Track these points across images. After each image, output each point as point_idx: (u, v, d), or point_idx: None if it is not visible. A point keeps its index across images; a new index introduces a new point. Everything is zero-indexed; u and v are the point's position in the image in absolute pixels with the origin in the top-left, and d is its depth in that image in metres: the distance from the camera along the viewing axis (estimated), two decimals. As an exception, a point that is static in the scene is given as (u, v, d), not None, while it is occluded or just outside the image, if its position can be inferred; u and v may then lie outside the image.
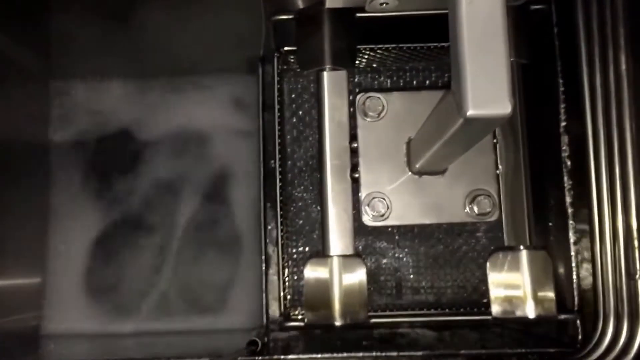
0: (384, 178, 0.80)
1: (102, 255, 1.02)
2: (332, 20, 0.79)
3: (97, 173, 1.04)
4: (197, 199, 1.04)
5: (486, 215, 0.79)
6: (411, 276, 0.88)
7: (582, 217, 0.85)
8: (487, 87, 0.54)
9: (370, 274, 0.87)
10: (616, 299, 0.80)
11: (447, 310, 0.87)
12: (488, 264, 0.81)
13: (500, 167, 0.81)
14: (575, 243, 0.86)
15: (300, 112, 0.91)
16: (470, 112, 0.53)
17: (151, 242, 1.02)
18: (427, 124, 0.70)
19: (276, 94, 0.89)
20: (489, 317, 0.81)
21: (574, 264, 0.85)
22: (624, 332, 0.80)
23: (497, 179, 0.81)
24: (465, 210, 0.79)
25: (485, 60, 0.54)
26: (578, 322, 0.81)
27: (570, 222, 0.87)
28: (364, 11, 0.81)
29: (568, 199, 0.87)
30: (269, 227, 0.90)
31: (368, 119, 0.81)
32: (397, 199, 0.79)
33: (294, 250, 0.89)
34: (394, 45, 0.90)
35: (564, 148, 0.87)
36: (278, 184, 0.88)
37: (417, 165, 0.77)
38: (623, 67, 0.79)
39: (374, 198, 0.79)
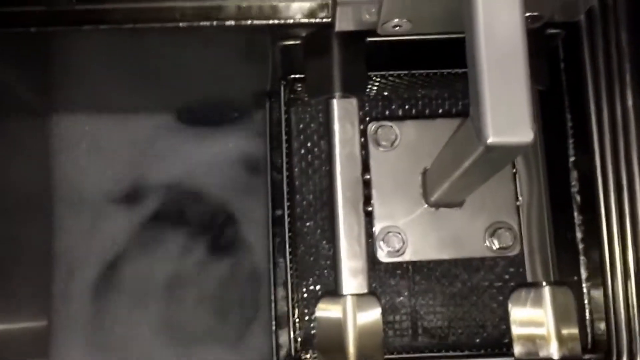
0: (398, 211, 0.79)
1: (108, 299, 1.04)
2: (342, 45, 0.80)
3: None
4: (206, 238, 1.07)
5: (507, 249, 0.79)
6: (428, 315, 0.86)
7: (593, 253, 0.86)
8: (508, 113, 0.54)
9: (385, 314, 0.85)
10: (629, 336, 0.81)
11: (466, 352, 0.85)
12: (510, 302, 0.81)
13: (520, 198, 0.82)
14: (587, 280, 0.87)
15: (309, 144, 0.91)
16: (490, 140, 0.53)
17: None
18: (444, 153, 0.70)
19: (284, 124, 0.90)
20: (511, 359, 0.82)
21: (586, 301, 0.84)
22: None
23: (517, 211, 0.81)
24: (485, 244, 0.79)
25: (505, 85, 0.54)
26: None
27: (582, 257, 0.86)
28: (375, 35, 0.82)
29: (579, 235, 0.87)
30: (278, 267, 0.91)
31: (381, 149, 0.80)
32: (413, 233, 0.78)
33: (305, 290, 0.87)
34: (405, 72, 0.90)
35: (573, 183, 0.88)
36: (287, 221, 0.89)
37: (434, 197, 0.77)
38: (629, 102, 0.80)
39: (388, 232, 0.78)
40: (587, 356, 0.81)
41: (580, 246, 0.87)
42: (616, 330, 0.81)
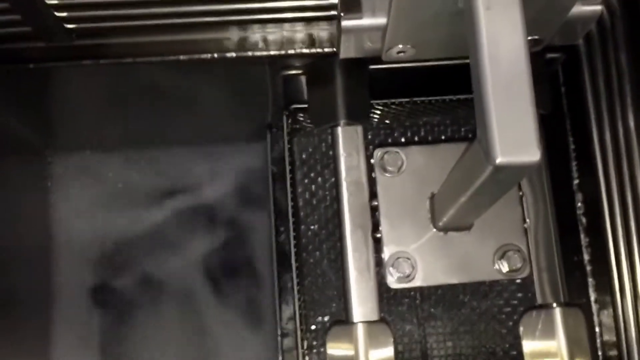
0: (407, 236, 0.80)
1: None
2: (345, 73, 0.83)
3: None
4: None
5: (517, 271, 0.82)
6: (439, 343, 0.87)
7: (601, 274, 0.89)
8: (515, 134, 0.57)
9: (396, 341, 0.88)
10: None
11: None
12: (521, 325, 0.84)
13: (527, 220, 0.85)
14: (596, 302, 0.89)
15: (312, 174, 0.92)
16: (499, 160, 0.56)
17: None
18: (452, 176, 0.73)
19: (287, 154, 0.93)
20: (526, 385, 0.84)
21: (596, 324, 0.86)
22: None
23: (525, 233, 0.84)
24: (495, 267, 0.82)
25: (511, 107, 0.57)
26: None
27: (590, 279, 0.89)
28: (377, 63, 0.86)
29: (586, 257, 0.89)
30: (284, 300, 0.93)
31: (387, 175, 0.83)
32: (423, 258, 0.80)
33: (313, 321, 0.88)
34: (407, 100, 0.93)
35: (578, 206, 0.91)
36: (293, 252, 0.91)
37: (443, 221, 0.79)
38: (631, 123, 0.83)
39: (398, 258, 0.80)
40: (599, 379, 0.83)
41: (588, 268, 0.89)
42: (628, 352, 0.83)
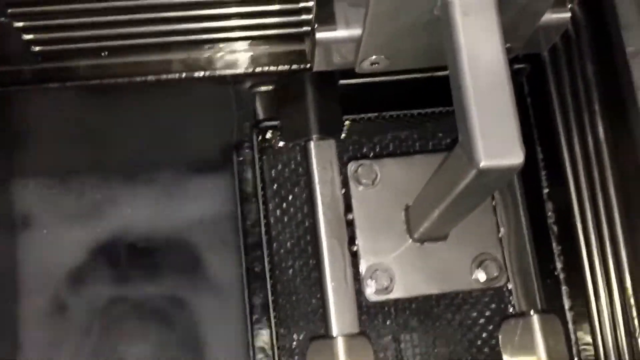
0: (384, 248, 0.80)
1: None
2: (316, 88, 0.82)
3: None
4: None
5: (494, 280, 0.81)
6: (416, 355, 0.87)
7: (575, 282, 0.89)
8: (498, 137, 0.57)
9: (378, 354, 0.86)
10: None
11: None
12: (500, 333, 0.83)
13: (501, 229, 0.85)
14: (570, 309, 0.89)
15: (283, 191, 0.91)
16: (483, 164, 0.55)
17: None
18: (430, 185, 0.73)
19: (258, 173, 0.92)
20: (504, 391, 0.83)
21: (571, 330, 0.86)
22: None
23: (500, 242, 0.83)
24: (473, 277, 0.81)
25: (492, 111, 0.57)
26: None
27: (564, 287, 0.90)
28: (347, 77, 0.86)
29: (559, 265, 0.89)
30: (258, 320, 0.91)
31: (362, 188, 0.81)
32: (401, 269, 0.79)
33: (289, 338, 0.87)
34: (376, 114, 0.94)
35: (549, 214, 0.92)
36: (267, 269, 0.90)
37: (419, 232, 0.79)
38: (600, 131, 0.84)
39: (376, 270, 0.79)
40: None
41: (562, 276, 0.89)
42: (605, 356, 0.84)
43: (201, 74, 0.84)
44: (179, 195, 1.10)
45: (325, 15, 0.68)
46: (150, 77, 0.85)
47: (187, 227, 1.08)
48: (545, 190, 0.91)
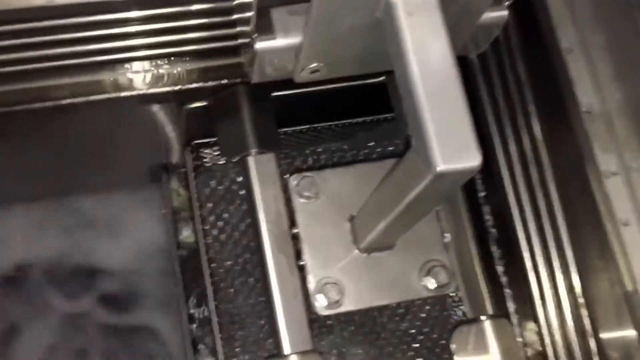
0: (332, 261, 0.77)
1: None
2: (251, 101, 0.79)
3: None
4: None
5: (444, 287, 0.80)
6: None
7: (518, 284, 0.88)
8: (454, 140, 0.55)
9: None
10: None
11: None
12: (452, 342, 0.81)
13: (446, 235, 0.83)
14: (516, 312, 0.89)
15: (218, 210, 0.88)
16: (440, 167, 0.54)
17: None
18: (378, 194, 0.70)
19: (194, 192, 0.89)
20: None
21: (517, 333, 0.85)
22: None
23: (446, 248, 0.82)
24: (422, 284, 0.80)
25: (446, 114, 0.55)
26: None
27: (507, 290, 0.89)
28: (279, 89, 0.84)
29: (500, 268, 0.89)
30: (203, 345, 0.87)
31: (305, 201, 0.80)
32: (350, 281, 0.76)
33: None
34: (308, 127, 0.92)
35: (486, 218, 0.91)
36: (211, 291, 0.86)
37: (365, 242, 0.76)
38: (537, 131, 0.84)
39: (325, 284, 0.77)
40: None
41: (503, 279, 0.89)
42: (555, 358, 0.83)
43: (128, 93, 0.80)
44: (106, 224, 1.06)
45: (264, 25, 0.65)
46: (69, 100, 0.79)
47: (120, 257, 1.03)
48: (482, 194, 0.90)
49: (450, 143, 0.54)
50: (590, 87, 0.77)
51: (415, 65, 0.56)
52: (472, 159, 0.54)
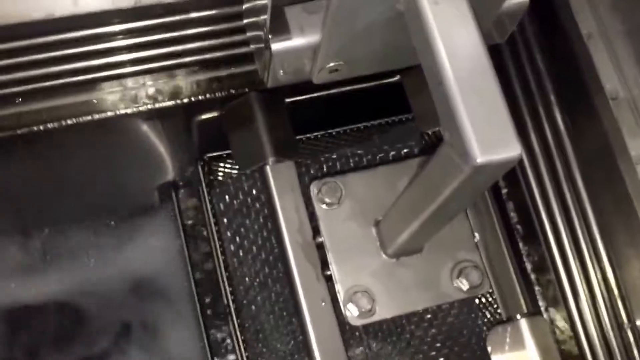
0: (360, 269, 0.74)
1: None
2: (264, 109, 0.76)
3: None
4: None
5: (477, 287, 0.76)
6: None
7: (547, 281, 0.85)
8: (491, 130, 0.51)
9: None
10: (608, 354, 0.79)
11: None
12: (488, 343, 0.78)
13: (476, 234, 0.80)
14: (546, 310, 0.86)
15: (234, 225, 0.86)
16: (479, 160, 0.50)
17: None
18: (407, 195, 0.66)
19: (209, 208, 0.85)
20: (502, 405, 0.78)
21: (551, 330, 0.83)
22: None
23: (477, 248, 0.78)
24: (455, 286, 0.76)
25: (480, 102, 0.52)
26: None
27: (537, 288, 0.86)
28: (294, 95, 0.80)
29: (528, 265, 0.87)
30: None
31: (327, 207, 0.76)
32: (380, 288, 0.73)
33: None
34: (323, 132, 0.88)
35: (511, 214, 0.88)
36: (232, 309, 0.83)
37: (394, 247, 0.72)
38: (559, 122, 0.81)
39: (355, 292, 0.73)
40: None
41: (532, 276, 0.86)
42: (592, 353, 0.80)
43: (129, 110, 0.77)
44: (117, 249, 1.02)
45: (279, 26, 0.61)
46: (70, 121, 0.76)
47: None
48: (504, 190, 0.87)
49: (487, 133, 0.51)
50: (614, 73, 0.74)
51: (444, 55, 0.52)
52: (512, 149, 0.51)
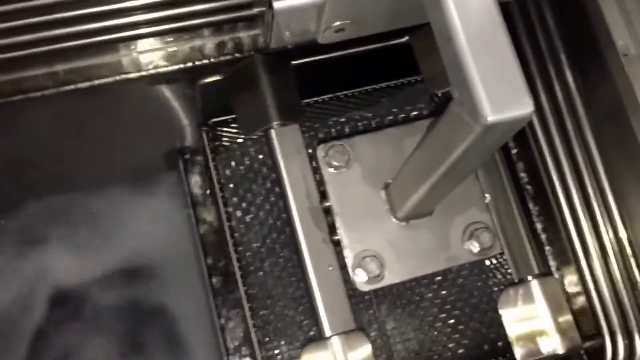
0: (368, 233, 0.72)
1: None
2: (269, 72, 0.74)
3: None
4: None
5: (488, 249, 0.75)
6: (422, 340, 0.80)
7: (558, 240, 0.83)
8: (503, 87, 0.50)
9: (377, 347, 0.78)
10: (621, 314, 0.78)
11: None
12: (500, 304, 0.77)
13: (487, 196, 0.78)
14: (558, 269, 0.84)
15: (241, 190, 0.84)
16: (490, 118, 0.48)
17: None
18: (417, 157, 0.64)
19: (214, 174, 0.83)
20: (514, 363, 0.77)
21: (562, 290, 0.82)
22: (638, 347, 0.78)
23: (488, 209, 0.76)
24: (465, 248, 0.75)
25: (491, 59, 0.50)
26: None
27: (547, 248, 0.85)
28: (299, 58, 0.78)
29: (539, 225, 0.85)
30: (231, 333, 0.83)
31: (335, 171, 0.75)
32: (390, 253, 0.71)
33: (270, 345, 0.79)
34: (330, 96, 0.86)
35: (521, 175, 0.86)
36: (239, 275, 0.81)
37: (404, 210, 0.71)
38: (570, 80, 0.79)
39: (364, 258, 0.72)
40: (586, 344, 0.77)
41: (543, 236, 0.84)
42: (604, 313, 0.78)
43: (133, 75, 0.75)
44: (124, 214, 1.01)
45: (281, -18, 0.59)
46: (73, 86, 0.74)
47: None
48: (514, 151, 0.85)
49: (498, 90, 0.49)
50: (625, 29, 0.71)
51: (453, 8, 0.50)
52: (525, 106, 0.49)
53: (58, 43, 0.72)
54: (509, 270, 0.78)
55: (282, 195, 0.73)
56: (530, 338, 0.74)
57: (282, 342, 0.80)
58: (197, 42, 0.74)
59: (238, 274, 0.79)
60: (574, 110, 0.77)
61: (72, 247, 0.99)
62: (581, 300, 0.80)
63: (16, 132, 0.84)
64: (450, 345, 0.79)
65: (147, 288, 0.96)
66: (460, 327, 0.80)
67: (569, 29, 0.77)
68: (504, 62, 0.50)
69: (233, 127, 0.82)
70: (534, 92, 0.81)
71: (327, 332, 0.70)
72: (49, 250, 0.98)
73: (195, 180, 0.88)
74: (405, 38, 0.77)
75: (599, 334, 0.78)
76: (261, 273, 0.82)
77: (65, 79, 0.74)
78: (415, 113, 0.84)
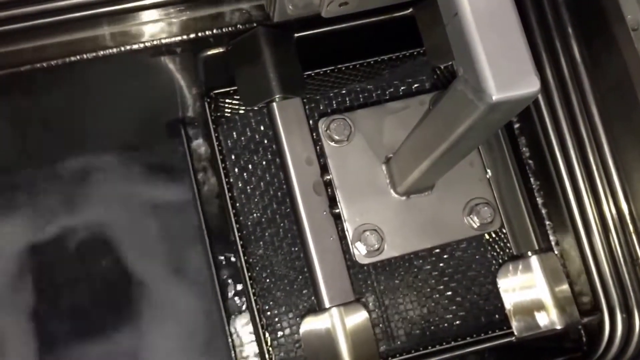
0: (369, 207, 0.69)
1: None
2: (272, 44, 0.71)
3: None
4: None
5: (489, 225, 0.72)
6: (419, 311, 0.78)
7: (559, 215, 0.81)
8: (509, 65, 0.47)
9: (375, 318, 0.76)
10: (621, 289, 0.75)
11: (468, 339, 0.77)
12: (498, 279, 0.75)
13: (488, 171, 0.75)
14: (558, 244, 0.81)
15: (242, 162, 0.82)
16: (495, 96, 0.46)
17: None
18: (419, 132, 0.62)
19: (216, 145, 0.81)
20: (511, 339, 0.75)
21: (562, 265, 0.79)
22: (637, 323, 0.75)
23: (489, 184, 0.74)
24: (465, 223, 0.72)
25: (498, 36, 0.47)
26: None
27: (548, 223, 0.82)
28: (301, 30, 0.75)
29: (540, 200, 0.82)
30: (232, 305, 0.81)
31: (336, 145, 0.72)
32: (390, 227, 0.69)
33: (270, 314, 0.77)
34: (332, 68, 0.83)
35: (523, 150, 0.83)
36: (239, 245, 0.79)
37: (405, 185, 0.68)
38: (576, 53, 0.75)
39: (364, 231, 0.69)
40: (584, 319, 0.75)
41: (544, 211, 0.82)
42: (604, 287, 0.76)
43: (135, 47, 0.72)
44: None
45: (285, -45, 0.56)
46: (75, 58, 0.73)
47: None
48: (516, 125, 0.82)
49: (505, 68, 0.46)
50: (635, 3, 0.68)
51: (459, -16, 0.46)
52: (531, 85, 0.46)
53: (64, 14, 0.70)
54: (508, 245, 0.76)
55: (283, 168, 0.70)
56: (529, 312, 0.72)
57: (282, 310, 0.78)
58: (199, 13, 0.71)
59: (239, 243, 0.76)
60: (580, 84, 0.74)
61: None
62: (581, 276, 0.77)
63: (31, 99, 0.81)
64: (448, 316, 0.77)
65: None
66: (458, 299, 0.78)
67: (577, 2, 0.73)
68: (511, 39, 0.47)
69: (235, 99, 0.80)
70: (539, 65, 0.78)
71: (327, 303, 0.69)
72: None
73: (197, 150, 0.86)
74: (409, 10, 0.74)
75: (597, 309, 0.75)
76: (261, 243, 0.80)
77: (71, 49, 0.72)
78: (416, 85, 0.81)
